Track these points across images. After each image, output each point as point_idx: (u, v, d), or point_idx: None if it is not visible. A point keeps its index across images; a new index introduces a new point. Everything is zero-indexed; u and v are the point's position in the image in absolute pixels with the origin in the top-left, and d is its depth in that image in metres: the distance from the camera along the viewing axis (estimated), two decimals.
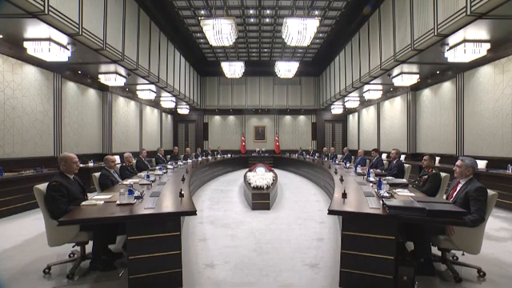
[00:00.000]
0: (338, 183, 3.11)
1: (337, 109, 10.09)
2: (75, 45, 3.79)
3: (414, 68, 5.18)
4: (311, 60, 10.07)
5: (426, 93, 6.24)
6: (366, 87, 6.81)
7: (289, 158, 9.14)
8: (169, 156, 6.82)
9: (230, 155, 9.29)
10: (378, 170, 4.06)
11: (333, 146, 10.84)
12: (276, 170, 6.72)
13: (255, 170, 5.70)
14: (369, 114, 8.94)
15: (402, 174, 3.72)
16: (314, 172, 6.28)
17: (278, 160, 9.94)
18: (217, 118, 11.46)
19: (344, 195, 2.29)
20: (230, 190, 5.34)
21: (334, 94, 8.73)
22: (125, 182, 2.97)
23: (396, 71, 5.37)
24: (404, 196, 2.28)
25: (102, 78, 5.30)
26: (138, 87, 6.73)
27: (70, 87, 5.40)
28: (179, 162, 5.73)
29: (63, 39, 3.61)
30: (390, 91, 7.37)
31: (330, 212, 1.93)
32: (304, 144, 10.98)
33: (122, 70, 5.20)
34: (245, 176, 5.17)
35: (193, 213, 1.91)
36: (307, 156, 8.43)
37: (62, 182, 1.98)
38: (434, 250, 2.04)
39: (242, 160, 9.89)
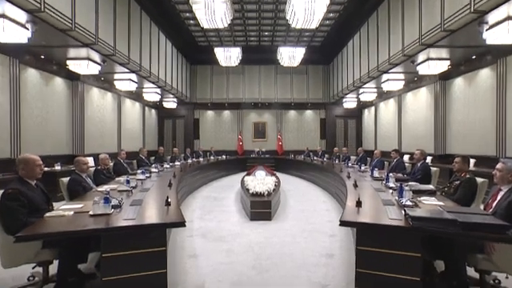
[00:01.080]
0: (351, 189, 3.12)
1: (350, 102, 10.08)
2: (36, 23, 3.50)
3: (444, 53, 4.87)
4: (320, 45, 10.02)
5: (459, 82, 5.91)
6: (385, 77, 6.66)
7: (293, 159, 9.16)
8: (153, 158, 6.76)
9: (224, 156, 9.32)
10: (399, 175, 4.03)
11: (345, 145, 10.85)
12: (278, 174, 6.73)
13: (254, 173, 5.69)
14: (388, 108, 8.86)
15: (428, 179, 3.69)
16: (323, 176, 6.28)
17: (280, 162, 9.95)
18: (209, 113, 11.43)
19: (358, 203, 2.28)
20: (225, 198, 5.35)
21: (347, 85, 8.72)
22: (100, 189, 2.94)
23: (421, 57, 5.09)
24: (431, 205, 2.26)
25: (72, 65, 4.96)
26: (116, 76, 6.56)
27: (32, 75, 5.06)
28: (165, 165, 5.74)
29: (21, 16, 3.32)
30: (414, 81, 7.12)
31: (342, 223, 1.92)
32: (311, 143, 10.98)
33: (95, 56, 4.93)
34: (242, 181, 5.18)
35: (181, 224, 1.90)
36: (315, 158, 8.45)
37: (22, 190, 1.90)
38: (471, 272, 1.95)
39: (239, 162, 9.89)
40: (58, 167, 5.04)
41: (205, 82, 11.04)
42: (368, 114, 10.58)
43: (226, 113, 11.44)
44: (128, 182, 3.22)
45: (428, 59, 5.10)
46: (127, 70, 6.06)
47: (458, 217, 1.73)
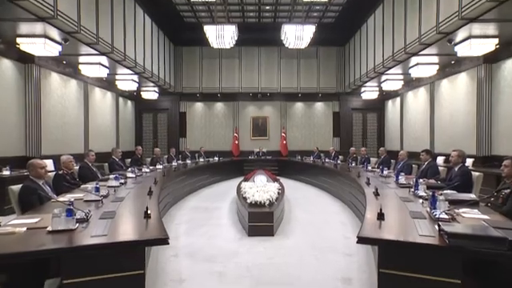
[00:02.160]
0: (371, 198, 3.14)
1: (370, 92, 10.08)
2: None
3: (491, 29, 4.61)
4: (333, 23, 10.00)
5: (509, 66, 5.65)
6: (414, 60, 6.54)
7: (300, 162, 9.20)
8: (129, 160, 6.77)
9: (217, 158, 9.33)
10: (432, 181, 4.01)
11: (363, 145, 10.87)
12: (282, 180, 6.67)
13: (253, 179, 5.67)
14: (417, 99, 8.80)
15: (469, 187, 3.67)
16: (337, 182, 6.30)
17: (284, 165, 9.97)
18: (198, 105, 11.43)
19: (380, 216, 2.28)
20: (218, 208, 5.39)
21: (366, 71, 8.68)
22: (61, 199, 2.89)
23: (461, 35, 4.86)
24: (472, 219, 2.26)
25: (24, 44, 4.72)
26: (82, 59, 6.43)
27: None
28: (144, 169, 5.73)
29: None
30: (451, 65, 6.96)
31: (361, 240, 1.93)
32: (322, 142, 11.01)
33: (54, 33, 4.75)
34: (238, 188, 5.18)
35: (164, 241, 1.91)
36: (326, 160, 8.46)
37: None
38: None
39: (235, 165, 9.92)
40: (6, 172, 4.88)
41: (192, 67, 11.01)
42: (392, 107, 10.58)
43: (219, 105, 11.44)
44: (97, 189, 3.19)
45: (470, 37, 4.87)
46: (96, 52, 5.95)
47: (509, 234, 1.70)
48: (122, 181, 4.15)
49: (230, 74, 11.03)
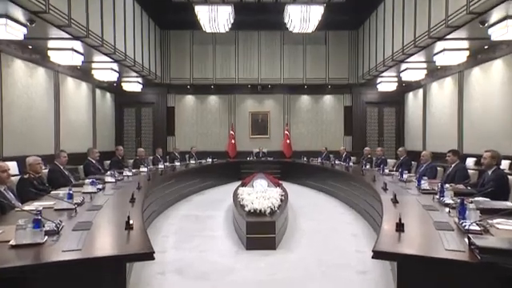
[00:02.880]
0: (388, 206, 3.14)
1: (387, 84, 10.09)
2: None
3: None
4: (345, 3, 9.93)
5: None
6: (440, 45, 6.42)
7: (306, 164, 9.24)
8: (108, 162, 6.75)
9: (210, 160, 9.34)
10: (460, 186, 3.99)
11: (380, 144, 10.87)
12: (285, 185, 6.66)
13: (252, 183, 5.69)
14: (443, 90, 8.72)
15: (504, 193, 3.64)
16: (349, 188, 6.31)
17: (288, 168, 9.98)
18: (189, 99, 11.43)
19: (400, 227, 2.28)
20: (211, 218, 5.42)
21: (383, 58, 8.65)
22: (27, 207, 2.88)
23: (496, 15, 4.77)
24: (509, 231, 2.26)
25: None
26: (52, 44, 6.28)
27: None
28: (126, 172, 5.72)
29: None
30: (484, 51, 6.77)
31: (377, 255, 1.93)
32: (332, 142, 11.01)
33: (18, 13, 4.66)
34: (235, 194, 5.19)
35: (148, 256, 1.92)
36: (337, 161, 8.47)
37: None
38: None
39: (231, 168, 9.93)
40: None
41: (182, 54, 10.99)
42: (413, 100, 10.58)
43: (213, 99, 11.43)
44: (70, 196, 3.16)
45: (506, 17, 4.74)
46: (68, 36, 5.84)
47: None
48: (100, 186, 4.13)
49: (226, 62, 11.02)
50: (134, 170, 6.11)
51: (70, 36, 5.87)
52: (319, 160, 9.14)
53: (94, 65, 8.11)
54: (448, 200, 3.17)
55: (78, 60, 6.71)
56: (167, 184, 6.13)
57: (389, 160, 7.49)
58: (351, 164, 7.85)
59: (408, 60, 7.75)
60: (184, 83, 11.04)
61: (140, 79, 9.97)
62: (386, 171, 5.98)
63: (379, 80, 10.03)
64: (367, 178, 5.35)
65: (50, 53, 6.59)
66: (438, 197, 3.36)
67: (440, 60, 6.84)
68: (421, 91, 9.93)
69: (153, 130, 11.33)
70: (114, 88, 10.52)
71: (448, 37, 5.97)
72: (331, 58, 11.03)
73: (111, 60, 7.69)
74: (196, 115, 11.36)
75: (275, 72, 11.06)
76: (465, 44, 6.39)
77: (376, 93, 10.96)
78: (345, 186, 6.56)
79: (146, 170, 6.42)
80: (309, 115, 11.40)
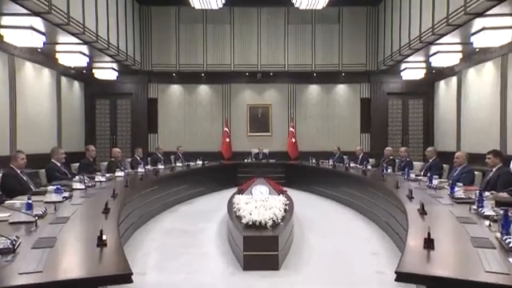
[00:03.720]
0: (414, 218, 3.14)
1: (413, 70, 10.11)
2: None
3: None
4: None
5: None
6: (479, 23, 6.37)
7: (316, 167, 9.26)
8: (76, 165, 6.72)
9: (200, 162, 9.38)
10: (504, 194, 3.92)
11: (404, 144, 10.94)
12: (291, 192, 6.67)
13: (250, 190, 5.68)
14: (482, 78, 8.68)
15: None
16: (367, 196, 6.32)
17: (293, 171, 10.01)
18: (175, 89, 11.43)
19: (429, 243, 2.27)
20: (202, 231, 5.43)
21: (409, 40, 8.65)
22: None
23: None
24: None
25: None
26: (5, 21, 6.17)
27: None
28: (99, 177, 5.70)
29: None
30: None
31: (401, 277, 1.93)
32: (346, 140, 11.02)
33: None
34: (230, 203, 5.20)
35: (125, 279, 1.91)
36: (352, 164, 8.47)
37: None
38: None
39: (226, 171, 9.97)
40: None
41: (166, 36, 11.00)
42: (445, 91, 10.58)
43: (204, 89, 11.44)
44: (29, 206, 3.13)
45: None
46: (26, 11, 5.79)
47: None
48: (67, 194, 4.11)
49: (219, 45, 11.03)
50: (108, 175, 6.09)
51: (28, 11, 5.81)
52: (331, 162, 9.15)
53: (58, 47, 8.06)
54: (488, 211, 3.14)
55: (38, 41, 6.65)
56: (149, 191, 6.13)
57: (415, 163, 7.48)
58: (369, 167, 7.83)
59: (439, 41, 7.72)
60: (169, 70, 11.06)
61: (115, 65, 9.96)
62: (412, 176, 5.95)
63: (403, 66, 10.03)
64: (389, 185, 5.34)
65: (3, 32, 6.51)
66: (475, 207, 3.34)
67: (478, 41, 6.76)
68: (454, 79, 9.92)
69: (131, 126, 11.35)
70: (84, 76, 10.53)
71: (488, 12, 5.86)
72: (346, 39, 11.04)
73: (80, 41, 7.65)
74: (183, 109, 11.37)
75: (278, 57, 11.08)
76: (508, 21, 6.26)
77: (400, 82, 10.98)
78: (362, 193, 6.56)
79: (122, 174, 6.41)
80: (318, 109, 11.43)
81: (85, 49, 8.17)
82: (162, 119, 11.34)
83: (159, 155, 9.13)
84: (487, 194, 3.56)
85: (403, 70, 10.18)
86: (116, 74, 10.25)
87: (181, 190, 7.64)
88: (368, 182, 6.43)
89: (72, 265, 2.14)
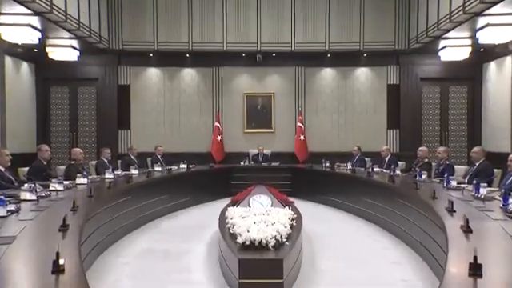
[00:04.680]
0: (456, 238, 3.17)
1: (454, 49, 10.11)
2: None
3: None
4: None
5: None
6: None
7: (330, 172, 9.26)
8: (26, 169, 6.70)
9: (184, 166, 9.37)
10: None
11: (443, 143, 10.98)
12: (299, 203, 6.67)
13: (248, 201, 5.67)
14: None
15: None
16: (395, 208, 6.33)
17: (302, 177, 10.04)
18: (152, 74, 11.47)
19: (475, 269, 2.26)
20: (186, 253, 5.47)
21: (449, 11, 8.65)
22: None
23: None
24: None
25: None
26: None
27: None
28: (55, 185, 5.67)
29: None
30: None
31: None
32: (369, 138, 11.09)
33: None
34: (223, 217, 5.21)
35: None
36: (376, 168, 8.43)
37: None
38: None
39: (217, 177, 9.98)
40: None
41: (141, 7, 11.02)
42: (497, 75, 10.57)
43: (188, 74, 11.47)
44: None
45: None
46: None
47: None
48: (13, 207, 4.06)
49: (208, 18, 11.04)
50: (66, 182, 6.05)
51: None
52: (349, 166, 9.15)
53: (1, 18, 7.95)
54: None
55: None
56: (119, 202, 6.11)
57: (457, 166, 7.45)
58: (398, 172, 7.82)
59: (489, 11, 7.68)
60: (144, 50, 11.07)
61: (75, 43, 9.94)
62: (453, 183, 5.94)
63: (442, 44, 10.04)
64: (423, 194, 5.33)
65: None
66: None
67: None
68: (509, 60, 9.90)
69: (96, 120, 11.37)
70: (35, 56, 10.51)
71: None
72: (368, 11, 11.06)
73: (29, 12, 7.60)
74: (163, 98, 11.39)
75: (283, 34, 11.09)
76: None
77: (437, 64, 11.01)
78: (389, 205, 6.56)
79: (85, 181, 6.39)
80: (334, 99, 11.45)
81: (36, 21, 8.12)
82: (135, 112, 11.35)
83: (132, 157, 9.12)
84: None
85: (442, 48, 10.18)
86: (77, 53, 10.22)
87: (160, 200, 7.65)
88: (396, 190, 6.42)
89: None
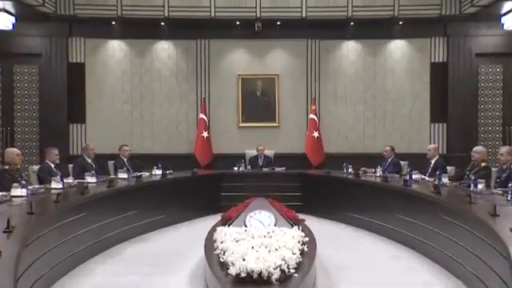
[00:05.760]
0: None
1: None
2: None
3: None
4: None
5: None
6: None
7: (354, 179, 9.28)
8: None
9: (159, 172, 9.38)
10: None
11: (506, 141, 11.04)
12: (311, 221, 6.69)
13: (244, 219, 5.69)
14: None
15: None
16: (441, 229, 6.33)
17: (316, 187, 10.09)
18: (115, 48, 11.57)
19: None
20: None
21: None
22: None
23: None
24: None
25: None
26: None
27: None
28: None
29: None
30: None
31: None
32: (406, 135, 11.22)
33: None
34: (210, 239, 5.23)
35: None
36: (416, 175, 8.41)
37: None
38: None
39: (202, 187, 10.01)
40: None
41: None
42: None
43: (164, 48, 11.56)
44: None
45: None
46: None
47: None
48: None
49: None
50: None
51: None
52: (379, 172, 9.15)
53: None
54: None
55: None
56: (70, 221, 6.07)
57: None
58: (446, 180, 7.81)
59: None
60: (104, 16, 11.11)
61: (9, 5, 9.91)
62: None
63: (507, 7, 10.03)
64: (480, 210, 5.31)
65: None
66: None
67: None
68: None
69: (39, 110, 11.42)
70: None
71: None
72: None
73: None
74: (130, 82, 11.46)
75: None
76: None
77: (499, 34, 11.06)
78: (433, 224, 6.54)
79: (24, 192, 6.34)
80: (358, 82, 11.53)
81: None
82: (92, 99, 11.39)
83: (88, 160, 9.07)
84: None
85: (506, 13, 10.17)
86: (12, 20, 10.19)
87: (126, 219, 7.63)
88: (444, 205, 6.37)
89: None
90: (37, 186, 7.18)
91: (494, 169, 7.85)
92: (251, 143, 11.11)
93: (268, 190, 8.92)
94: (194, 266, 5.94)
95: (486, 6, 10.13)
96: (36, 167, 8.36)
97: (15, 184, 6.49)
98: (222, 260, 4.36)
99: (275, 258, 4.15)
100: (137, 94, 11.40)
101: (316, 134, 11.10)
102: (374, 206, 8.32)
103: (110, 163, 9.50)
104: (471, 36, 11.33)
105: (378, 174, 9.05)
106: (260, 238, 4.73)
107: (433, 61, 11.43)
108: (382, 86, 11.46)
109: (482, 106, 11.48)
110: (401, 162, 9.54)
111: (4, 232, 4.03)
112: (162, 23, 11.18)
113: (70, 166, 9.05)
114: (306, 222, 6.06)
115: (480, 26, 11.12)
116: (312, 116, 11.17)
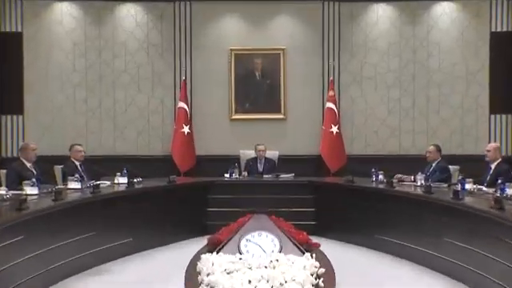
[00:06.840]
0: None
1: None
2: None
3: None
4: None
5: None
6: None
7: (385, 190, 9.38)
8: None
9: (124, 179, 9.43)
10: None
11: None
12: (328, 246, 6.83)
13: (239, 242, 5.75)
14: None
15: None
16: (503, 257, 6.30)
17: (334, 200, 10.20)
18: (62, 12, 11.71)
19: None
20: None
21: None
22: None
23: None
24: None
25: None
26: None
27: None
28: None
29: None
30: None
31: None
32: (456, 132, 11.40)
33: None
34: (192, 270, 5.28)
35: None
36: (469, 185, 8.40)
37: None
38: None
39: (183, 200, 10.09)
40: None
41: None
42: None
43: (130, 13, 11.69)
44: None
45: None
46: None
47: None
48: None
49: None
50: None
51: None
52: (420, 180, 9.14)
53: None
54: None
55: None
56: (4, 246, 6.00)
57: None
58: (511, 192, 7.81)
59: None
60: None
61: None
62: None
63: None
64: None
65: None
66: None
67: None
68: None
69: None
70: None
71: None
72: None
73: None
74: (84, 59, 11.54)
75: None
76: None
77: None
78: (494, 252, 6.51)
79: None
80: (392, 59, 11.58)
81: None
82: (32, 82, 11.46)
83: (28, 164, 9.08)
84: None
85: None
86: None
87: (80, 243, 7.64)
88: (507, 225, 6.38)
89: None
90: None
91: None
92: (248, 142, 11.18)
93: (270, 204, 9.01)
94: None
95: None
96: None
97: None
98: None
99: None
100: (94, 76, 11.47)
101: (335, 130, 11.16)
102: (414, 226, 8.32)
103: (58, 168, 9.51)
104: None
105: (418, 183, 9.03)
106: (259, 268, 4.77)
107: (493, 30, 11.48)
108: (424, 64, 11.53)
109: None
110: (449, 166, 9.55)
111: None
112: None
113: (3, 171, 9.05)
114: (322, 248, 6.09)
115: None
116: (330, 105, 11.20)
